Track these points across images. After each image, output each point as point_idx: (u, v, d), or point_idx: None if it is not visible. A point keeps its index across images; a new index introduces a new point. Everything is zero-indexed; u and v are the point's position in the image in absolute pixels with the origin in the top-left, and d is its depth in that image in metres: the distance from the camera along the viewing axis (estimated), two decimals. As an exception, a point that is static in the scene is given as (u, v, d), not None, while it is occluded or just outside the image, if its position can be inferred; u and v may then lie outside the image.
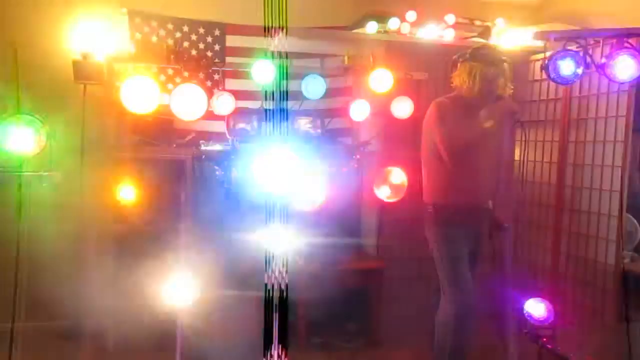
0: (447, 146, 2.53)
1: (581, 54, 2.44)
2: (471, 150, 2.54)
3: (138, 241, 2.98)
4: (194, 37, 3.38)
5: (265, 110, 3.50)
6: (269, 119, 1.64)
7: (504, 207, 2.89)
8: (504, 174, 2.92)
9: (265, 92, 3.27)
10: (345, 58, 3.38)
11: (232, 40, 3.47)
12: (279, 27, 1.53)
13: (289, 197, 1.58)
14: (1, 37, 2.85)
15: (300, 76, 3.13)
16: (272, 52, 1.61)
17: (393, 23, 3.45)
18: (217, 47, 3.44)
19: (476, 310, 2.61)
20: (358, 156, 3.56)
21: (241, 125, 3.34)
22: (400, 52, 3.47)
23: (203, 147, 3.30)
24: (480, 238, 2.72)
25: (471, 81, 2.57)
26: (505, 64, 2.59)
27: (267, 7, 1.45)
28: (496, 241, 2.91)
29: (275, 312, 1.57)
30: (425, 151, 2.71)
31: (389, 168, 3.11)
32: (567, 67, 2.44)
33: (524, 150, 3.35)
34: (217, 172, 3.28)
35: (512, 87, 2.66)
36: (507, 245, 3.09)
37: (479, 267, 2.76)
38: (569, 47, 2.45)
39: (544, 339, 2.99)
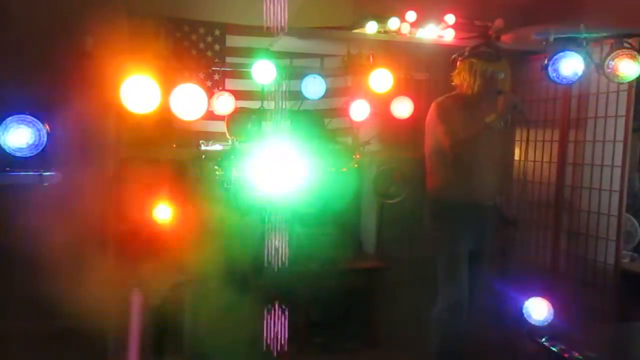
0: (451, 140, 2.55)
1: (581, 54, 2.44)
2: (474, 146, 2.56)
3: (138, 241, 2.99)
4: (194, 37, 3.38)
5: (265, 110, 3.52)
6: (269, 119, 1.64)
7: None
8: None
9: (265, 92, 3.29)
10: (345, 58, 3.38)
11: (232, 40, 3.48)
12: (279, 27, 1.53)
13: (288, 196, 1.58)
14: (2, 35, 2.85)
15: (300, 76, 3.14)
16: (272, 52, 1.62)
17: (393, 23, 3.45)
18: (217, 47, 3.44)
19: (468, 307, 2.64)
20: (358, 156, 3.56)
21: (241, 125, 3.34)
22: (400, 52, 3.47)
23: (203, 147, 3.30)
24: (484, 235, 2.73)
25: (471, 78, 2.59)
26: (504, 60, 2.61)
27: (267, 7, 1.46)
28: (500, 239, 2.93)
29: (275, 311, 1.58)
30: (428, 149, 2.74)
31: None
32: (567, 67, 2.45)
33: (524, 149, 3.36)
34: (217, 172, 3.28)
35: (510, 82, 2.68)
36: (510, 244, 3.10)
37: (483, 265, 2.77)
38: (568, 47, 2.45)
39: (544, 339, 2.99)
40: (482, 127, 2.53)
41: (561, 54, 2.43)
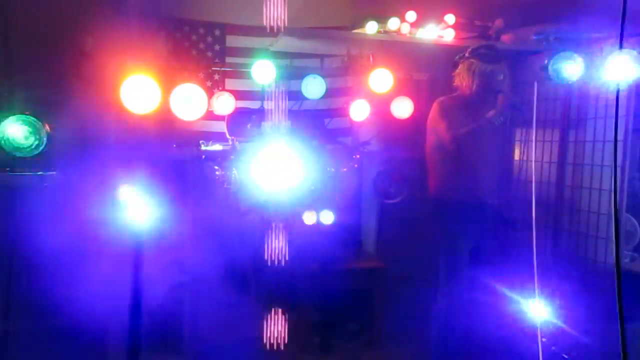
0: (452, 135, 2.58)
1: (581, 54, 2.45)
2: (474, 143, 2.57)
3: (138, 241, 2.98)
4: (194, 37, 3.38)
5: (265, 110, 3.53)
6: (269, 119, 1.64)
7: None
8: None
9: (265, 92, 3.29)
10: (345, 58, 3.38)
11: (232, 40, 3.48)
12: (279, 27, 1.53)
13: (288, 196, 1.58)
14: (2, 35, 2.85)
15: (300, 76, 3.14)
16: (272, 52, 1.62)
17: (393, 23, 3.45)
18: (217, 47, 3.44)
19: (467, 306, 2.64)
20: (358, 156, 3.56)
21: (241, 125, 3.33)
22: (400, 52, 3.47)
23: (203, 147, 3.30)
24: (484, 235, 2.75)
25: (470, 78, 2.62)
26: (503, 60, 2.63)
27: (267, 7, 1.46)
28: (500, 239, 2.93)
29: (276, 311, 1.58)
30: (430, 147, 2.76)
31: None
32: (566, 67, 2.45)
33: (524, 149, 3.36)
34: (217, 172, 3.28)
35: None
36: (510, 244, 3.10)
37: (483, 264, 2.78)
38: (568, 47, 2.46)
39: (544, 339, 2.99)
40: (482, 122, 2.55)
41: (561, 54, 2.43)
